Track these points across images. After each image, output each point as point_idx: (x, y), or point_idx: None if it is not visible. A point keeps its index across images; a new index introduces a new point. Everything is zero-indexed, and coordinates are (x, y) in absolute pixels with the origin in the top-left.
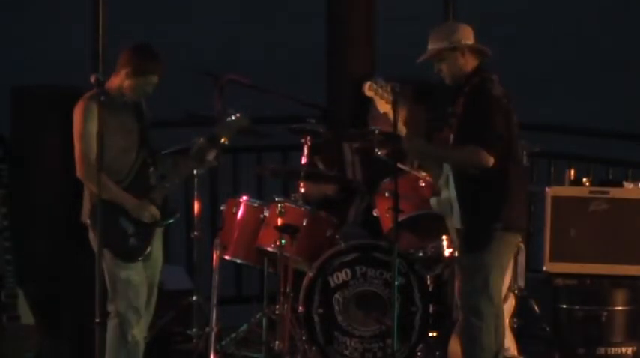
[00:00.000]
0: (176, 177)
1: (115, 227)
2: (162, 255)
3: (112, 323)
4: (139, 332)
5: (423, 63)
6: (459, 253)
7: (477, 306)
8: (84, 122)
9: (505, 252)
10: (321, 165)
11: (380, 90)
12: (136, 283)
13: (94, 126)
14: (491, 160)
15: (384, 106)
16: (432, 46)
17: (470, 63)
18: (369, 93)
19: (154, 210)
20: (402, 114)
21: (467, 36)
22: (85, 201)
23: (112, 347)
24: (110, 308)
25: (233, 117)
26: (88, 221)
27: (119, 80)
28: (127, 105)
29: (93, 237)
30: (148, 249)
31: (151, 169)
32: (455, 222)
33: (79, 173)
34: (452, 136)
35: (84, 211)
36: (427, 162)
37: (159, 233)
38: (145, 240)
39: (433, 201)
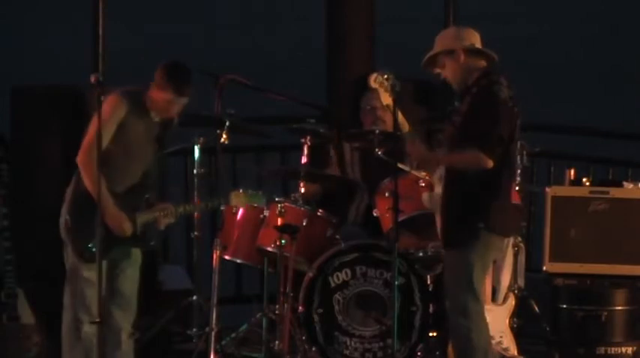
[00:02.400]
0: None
1: (87, 226)
2: (139, 267)
3: (67, 317)
4: (89, 328)
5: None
6: (444, 252)
7: (464, 306)
8: (109, 115)
9: (488, 253)
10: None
11: (385, 83)
12: (96, 284)
13: (114, 122)
14: (490, 163)
15: (387, 99)
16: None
17: (473, 64)
18: (374, 85)
19: (127, 226)
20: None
21: (464, 38)
22: (68, 194)
23: (68, 341)
24: (65, 299)
25: (254, 193)
26: (68, 217)
27: (150, 93)
28: (152, 122)
29: (64, 228)
30: (107, 256)
31: (147, 194)
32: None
33: (79, 158)
34: (453, 134)
35: (68, 188)
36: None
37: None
38: (107, 247)
39: (425, 196)
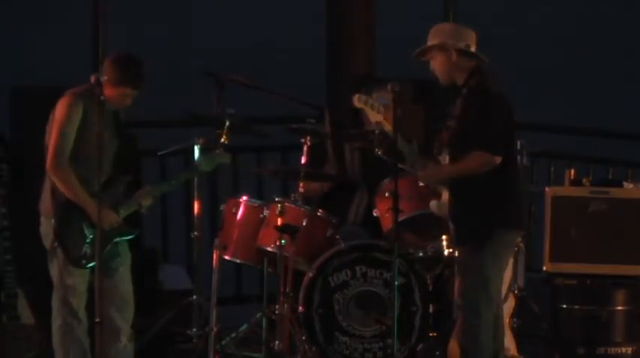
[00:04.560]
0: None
1: (77, 230)
2: (129, 265)
3: (56, 324)
4: (81, 332)
5: (424, 63)
6: (449, 251)
7: (475, 306)
8: (66, 118)
9: (504, 251)
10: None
11: (369, 101)
12: (81, 291)
13: (74, 124)
14: (497, 160)
15: (375, 116)
16: (426, 44)
17: (463, 65)
18: (358, 104)
19: (114, 218)
20: (390, 118)
21: (462, 38)
22: (45, 188)
23: (61, 346)
24: (53, 305)
25: (217, 151)
26: (54, 225)
27: (104, 90)
28: (109, 115)
29: (46, 231)
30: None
31: (123, 183)
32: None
33: (48, 165)
34: (449, 138)
35: (42, 199)
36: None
37: (124, 246)
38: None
39: (433, 204)
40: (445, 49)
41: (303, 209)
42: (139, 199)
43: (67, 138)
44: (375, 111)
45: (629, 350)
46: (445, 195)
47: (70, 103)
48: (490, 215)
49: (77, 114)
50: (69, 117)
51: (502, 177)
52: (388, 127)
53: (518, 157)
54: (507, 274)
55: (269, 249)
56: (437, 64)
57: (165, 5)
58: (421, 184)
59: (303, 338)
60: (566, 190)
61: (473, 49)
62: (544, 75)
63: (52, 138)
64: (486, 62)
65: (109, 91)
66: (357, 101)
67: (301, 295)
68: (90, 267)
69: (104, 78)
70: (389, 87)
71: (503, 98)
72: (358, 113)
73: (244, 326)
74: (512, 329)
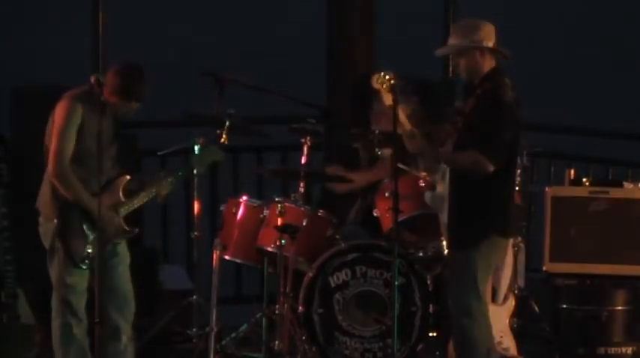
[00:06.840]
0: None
1: (78, 230)
2: (128, 264)
3: (55, 323)
4: (80, 332)
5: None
6: (448, 251)
7: (467, 306)
8: (65, 121)
9: (493, 255)
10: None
11: (387, 83)
12: (81, 290)
13: (74, 127)
14: (490, 168)
15: (390, 99)
16: (452, 41)
17: (487, 63)
18: (376, 85)
19: (119, 223)
20: (405, 109)
21: (489, 36)
22: (45, 189)
23: (60, 347)
24: (53, 305)
25: (211, 148)
26: (56, 223)
27: (106, 96)
28: (109, 117)
29: (46, 231)
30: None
31: (123, 184)
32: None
33: (50, 171)
34: (455, 135)
35: (40, 199)
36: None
37: (123, 245)
38: (102, 245)
39: (428, 195)
40: (475, 48)
41: (303, 209)
42: (140, 200)
43: (68, 142)
44: (390, 95)
45: (629, 350)
46: (439, 187)
47: (69, 106)
48: (484, 220)
49: (76, 117)
50: (68, 121)
51: (503, 183)
52: (401, 116)
53: (518, 158)
54: (507, 274)
55: (269, 249)
56: (466, 62)
57: (165, 3)
58: (422, 184)
59: (303, 338)
60: (566, 190)
61: (496, 46)
62: (544, 74)
63: (52, 143)
64: (508, 58)
65: (111, 99)
66: (376, 82)
67: (301, 295)
68: (89, 266)
69: (107, 86)
70: (414, 97)
71: (515, 107)
72: (367, 108)
73: (244, 326)
74: (512, 329)
